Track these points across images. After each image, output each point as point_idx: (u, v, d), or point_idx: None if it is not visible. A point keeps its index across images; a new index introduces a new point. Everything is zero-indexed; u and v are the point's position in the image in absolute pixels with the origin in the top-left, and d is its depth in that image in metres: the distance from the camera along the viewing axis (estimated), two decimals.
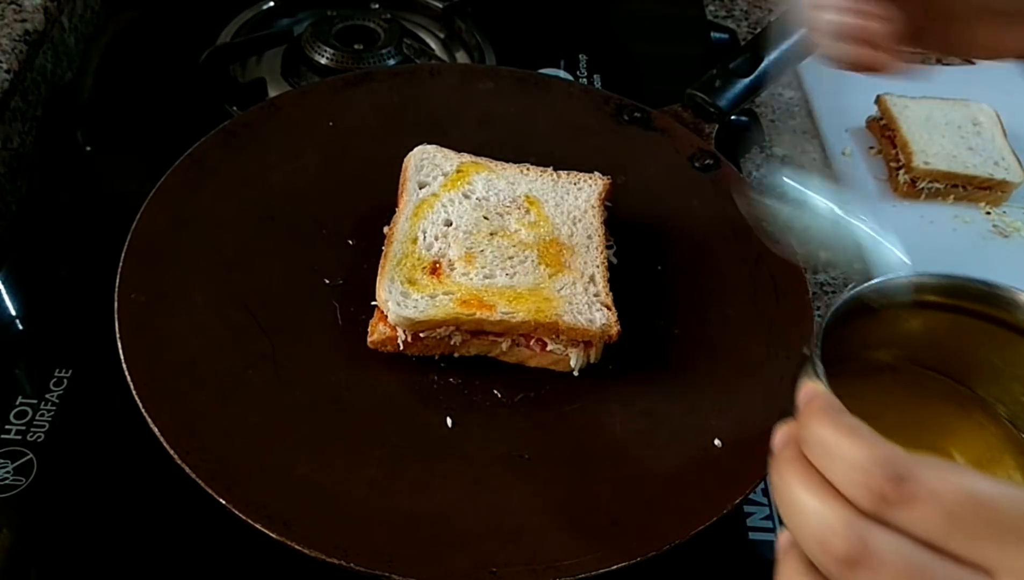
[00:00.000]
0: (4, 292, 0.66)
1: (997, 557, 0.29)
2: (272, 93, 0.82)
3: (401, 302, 0.55)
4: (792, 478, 0.34)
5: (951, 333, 0.47)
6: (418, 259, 0.58)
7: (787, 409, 0.56)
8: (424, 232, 0.60)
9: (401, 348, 0.56)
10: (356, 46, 0.85)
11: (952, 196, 0.84)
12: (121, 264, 0.56)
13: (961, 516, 0.30)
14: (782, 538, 0.36)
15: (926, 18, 0.50)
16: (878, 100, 0.88)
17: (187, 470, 0.48)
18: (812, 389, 0.37)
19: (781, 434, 0.38)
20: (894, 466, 0.31)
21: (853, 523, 0.31)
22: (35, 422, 0.57)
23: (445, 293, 0.56)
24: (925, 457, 0.32)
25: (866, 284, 0.44)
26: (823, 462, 0.33)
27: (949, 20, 0.51)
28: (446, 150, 0.65)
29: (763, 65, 0.72)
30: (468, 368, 0.57)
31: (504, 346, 0.57)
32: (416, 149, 0.65)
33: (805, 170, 0.54)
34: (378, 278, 0.57)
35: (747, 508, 0.59)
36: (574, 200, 0.64)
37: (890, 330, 0.48)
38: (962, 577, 0.30)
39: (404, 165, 0.64)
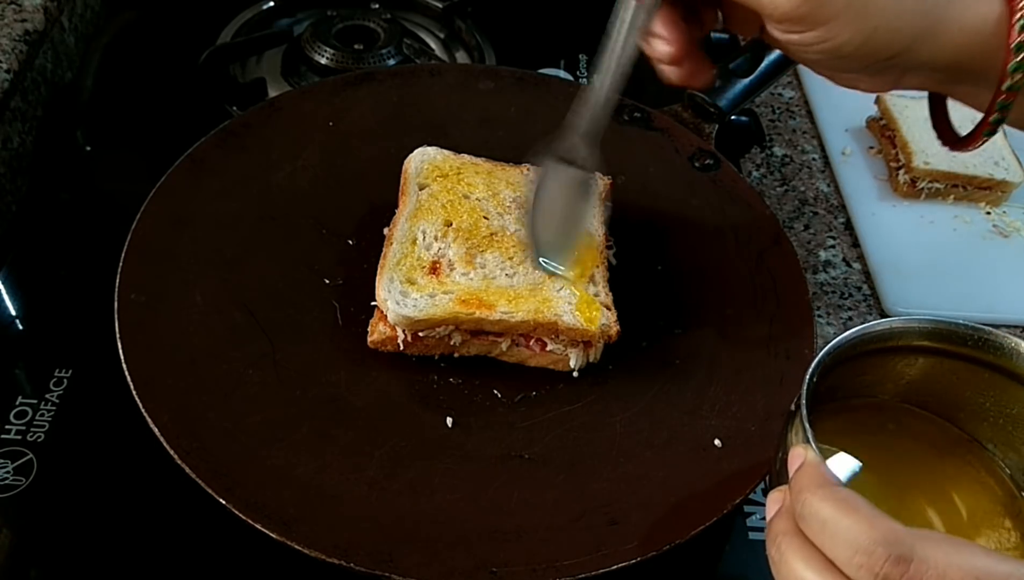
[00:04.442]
0: (4, 292, 0.66)
1: None
2: (272, 93, 0.82)
3: (400, 301, 0.55)
4: (792, 555, 0.33)
5: (941, 377, 0.46)
6: (417, 259, 0.58)
7: (785, 405, 0.55)
8: (424, 232, 0.60)
9: (401, 348, 0.56)
10: (356, 46, 0.86)
11: (952, 196, 0.84)
12: (121, 264, 0.56)
13: None
14: None
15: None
16: (878, 100, 0.88)
17: (187, 470, 0.48)
18: (802, 455, 0.36)
19: (773, 502, 0.37)
20: (897, 546, 0.30)
21: None
22: (35, 422, 0.57)
23: (445, 292, 0.56)
24: (928, 533, 0.31)
25: (850, 332, 0.43)
26: (822, 540, 0.32)
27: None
28: (446, 152, 0.65)
29: (763, 65, 0.72)
30: (468, 368, 0.57)
31: (504, 346, 0.57)
32: (416, 151, 0.65)
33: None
34: (377, 277, 0.57)
35: (747, 508, 0.59)
36: None
37: (878, 376, 0.47)
38: None
39: (404, 167, 0.64)
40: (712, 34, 0.54)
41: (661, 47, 0.49)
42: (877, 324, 0.44)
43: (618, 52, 0.50)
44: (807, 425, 0.38)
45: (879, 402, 0.48)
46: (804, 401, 0.39)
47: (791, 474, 0.36)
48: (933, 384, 0.47)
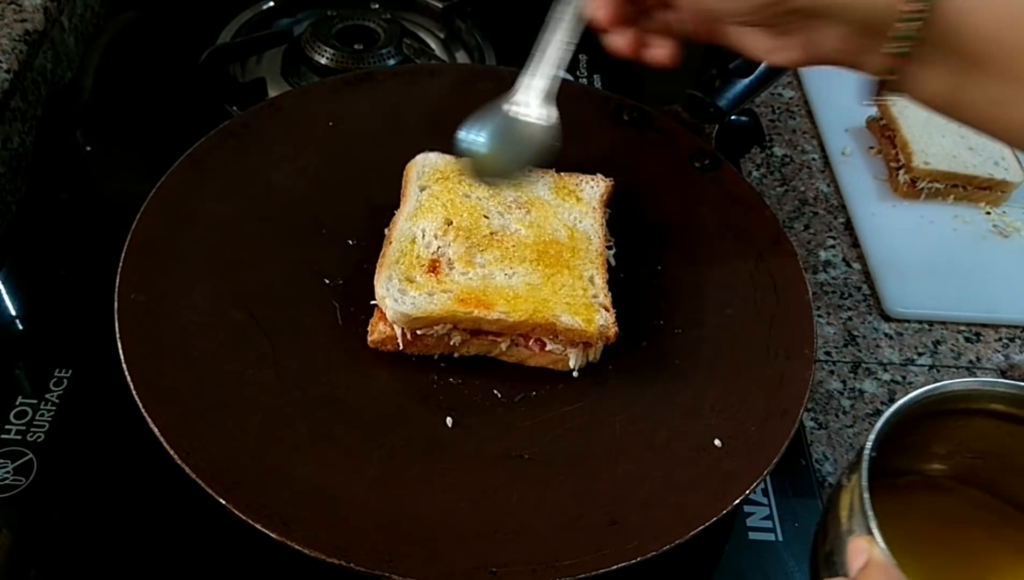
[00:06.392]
0: (4, 292, 0.66)
1: None
2: (272, 93, 0.82)
3: (399, 298, 0.55)
4: None
5: (999, 442, 0.43)
6: (417, 257, 0.58)
7: (788, 410, 0.56)
8: (424, 230, 0.60)
9: (401, 347, 0.56)
10: (356, 46, 0.86)
11: (952, 196, 0.84)
12: (121, 264, 0.56)
13: None
14: None
15: (705, 24, 0.52)
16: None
17: (187, 470, 0.48)
18: (865, 550, 0.33)
19: None
20: None
21: None
22: (35, 422, 0.57)
23: (443, 291, 0.56)
24: None
25: (916, 393, 0.39)
26: None
27: (719, 26, 0.51)
28: (448, 157, 0.65)
29: (763, 65, 0.72)
30: (468, 368, 0.57)
31: (503, 346, 0.57)
32: (418, 156, 0.65)
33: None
34: (376, 275, 0.57)
35: (747, 508, 0.59)
36: (575, 201, 0.64)
37: (947, 436, 0.44)
38: None
39: (406, 172, 0.64)
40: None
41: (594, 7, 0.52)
42: (951, 384, 0.40)
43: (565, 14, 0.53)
44: (871, 512, 0.34)
45: (930, 480, 0.44)
46: (865, 482, 0.34)
47: (852, 569, 0.33)
48: (991, 451, 0.43)
